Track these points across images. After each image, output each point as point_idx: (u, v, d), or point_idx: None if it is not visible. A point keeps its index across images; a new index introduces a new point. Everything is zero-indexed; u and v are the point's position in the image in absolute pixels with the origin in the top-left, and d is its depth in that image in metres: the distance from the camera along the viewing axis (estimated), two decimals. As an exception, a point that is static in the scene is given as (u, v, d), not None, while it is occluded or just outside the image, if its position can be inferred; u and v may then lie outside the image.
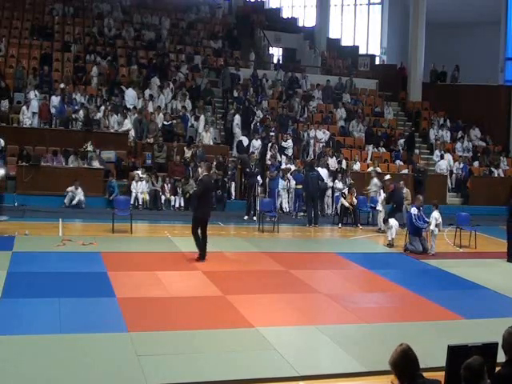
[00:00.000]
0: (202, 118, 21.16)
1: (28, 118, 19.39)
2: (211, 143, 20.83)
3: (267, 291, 9.88)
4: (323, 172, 18.67)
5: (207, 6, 29.64)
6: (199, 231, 11.85)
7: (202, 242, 11.83)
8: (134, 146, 19.88)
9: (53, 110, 19.91)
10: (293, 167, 19.46)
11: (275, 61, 28.50)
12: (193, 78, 23.75)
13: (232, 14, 30.36)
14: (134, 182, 17.70)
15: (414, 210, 13.91)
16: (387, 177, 17.38)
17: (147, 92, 21.83)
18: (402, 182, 17.09)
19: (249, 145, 20.37)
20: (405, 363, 4.33)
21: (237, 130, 21.28)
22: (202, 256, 11.79)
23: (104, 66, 22.95)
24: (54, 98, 20.13)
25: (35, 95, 20.01)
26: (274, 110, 23.18)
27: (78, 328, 7.59)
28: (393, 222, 14.64)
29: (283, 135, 21.06)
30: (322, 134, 21.93)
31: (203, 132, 20.75)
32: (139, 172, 18.01)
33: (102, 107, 20.33)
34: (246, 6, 32.37)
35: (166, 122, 20.53)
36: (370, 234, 16.58)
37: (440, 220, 13.97)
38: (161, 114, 20.82)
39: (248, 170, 18.13)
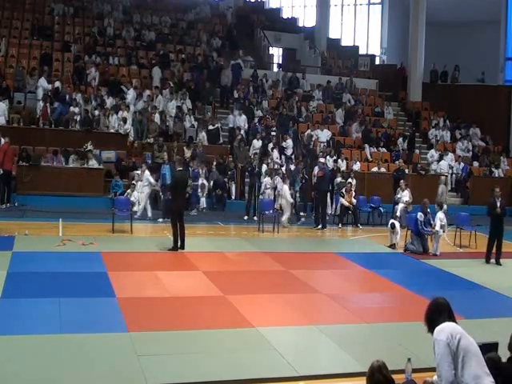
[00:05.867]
0: (184, 106, 21.50)
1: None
2: (206, 143, 20.83)
3: (267, 291, 9.86)
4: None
5: (207, 6, 29.64)
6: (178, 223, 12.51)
7: (179, 232, 12.43)
8: (134, 147, 19.88)
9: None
10: (292, 167, 19.42)
11: (275, 61, 28.48)
12: (192, 78, 23.73)
13: (232, 14, 30.33)
14: (134, 182, 17.66)
15: (420, 216, 13.66)
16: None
17: (146, 92, 21.79)
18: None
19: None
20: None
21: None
22: (174, 247, 12.39)
23: (102, 66, 22.92)
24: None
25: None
26: (274, 109, 23.16)
27: (78, 328, 7.58)
28: (397, 226, 14.45)
29: (283, 135, 21.04)
30: (325, 135, 21.91)
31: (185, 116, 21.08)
32: (139, 172, 17.98)
33: (104, 107, 20.34)
34: (246, 5, 32.38)
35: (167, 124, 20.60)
36: (370, 234, 16.58)
37: (445, 221, 13.86)
38: (157, 114, 20.80)
39: (250, 168, 18.13)
